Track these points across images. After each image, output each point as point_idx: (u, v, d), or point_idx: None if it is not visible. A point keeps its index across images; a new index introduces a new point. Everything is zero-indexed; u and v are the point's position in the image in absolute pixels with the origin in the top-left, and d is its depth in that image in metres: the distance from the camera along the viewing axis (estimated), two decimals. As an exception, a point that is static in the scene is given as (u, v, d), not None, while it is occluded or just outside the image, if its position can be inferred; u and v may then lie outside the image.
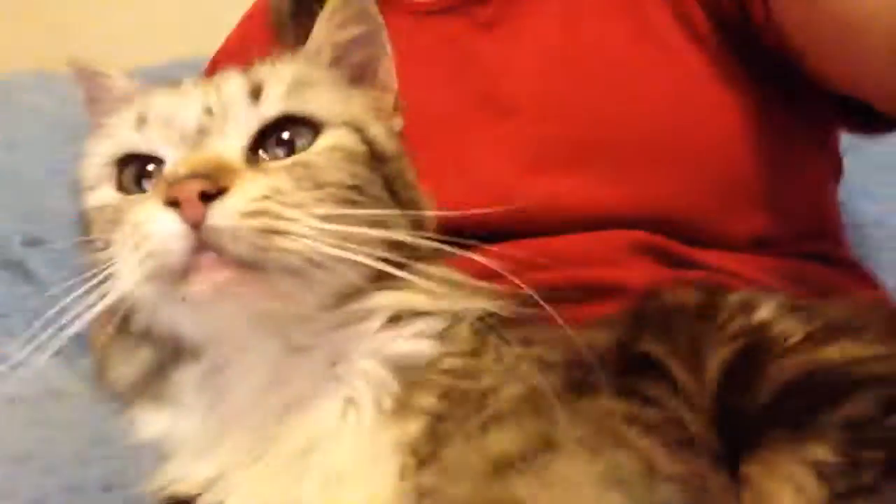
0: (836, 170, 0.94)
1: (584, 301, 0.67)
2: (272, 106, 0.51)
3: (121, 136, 0.52)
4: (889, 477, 0.47)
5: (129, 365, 0.53)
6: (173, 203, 0.44)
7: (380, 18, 0.61)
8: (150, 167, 0.51)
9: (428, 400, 0.50)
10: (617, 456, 0.47)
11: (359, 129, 0.54)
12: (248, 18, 1.13)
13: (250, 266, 0.45)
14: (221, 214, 0.44)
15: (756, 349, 0.54)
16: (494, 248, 0.77)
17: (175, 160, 0.49)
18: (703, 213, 0.78)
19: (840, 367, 0.52)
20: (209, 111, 0.50)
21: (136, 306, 0.48)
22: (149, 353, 0.53)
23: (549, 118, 0.82)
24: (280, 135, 0.51)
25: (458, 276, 0.57)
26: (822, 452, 0.48)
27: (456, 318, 0.53)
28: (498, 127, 0.83)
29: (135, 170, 0.52)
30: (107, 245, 0.49)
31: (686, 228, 0.78)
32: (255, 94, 0.51)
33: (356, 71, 0.60)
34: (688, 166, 0.78)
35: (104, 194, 0.52)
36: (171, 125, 0.50)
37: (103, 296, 0.47)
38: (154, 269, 0.45)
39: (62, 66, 1.50)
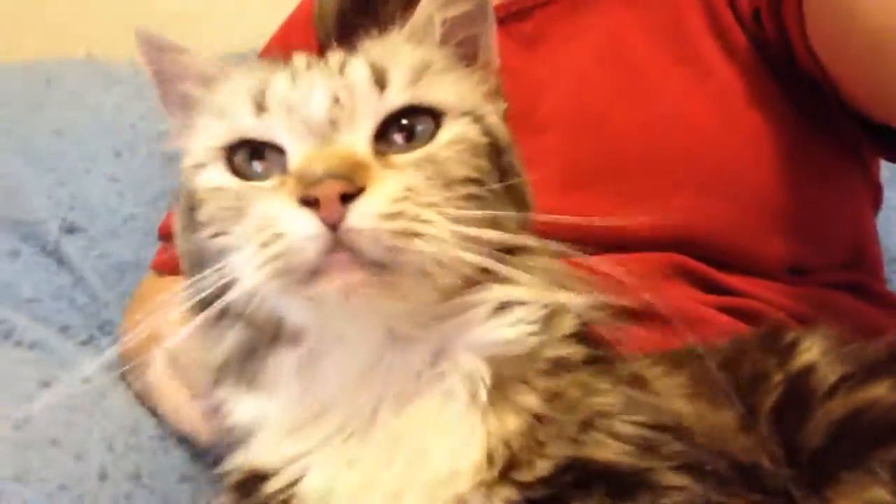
0: (875, 199, 0.93)
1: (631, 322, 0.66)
2: (398, 95, 0.50)
3: (236, 119, 0.50)
4: None
5: (218, 345, 0.52)
6: (309, 202, 0.43)
7: None
8: (268, 154, 0.49)
9: (529, 398, 0.49)
10: None
11: (479, 119, 0.52)
12: (292, 20, 1.13)
13: (382, 267, 0.45)
14: (361, 216, 0.43)
15: (801, 390, 0.54)
16: None
17: (304, 153, 0.47)
18: (737, 237, 0.77)
19: (887, 407, 0.51)
20: (337, 101, 0.48)
21: (248, 297, 0.47)
22: (242, 335, 0.51)
23: (583, 137, 0.81)
24: (400, 122, 0.49)
25: (560, 266, 0.56)
26: (881, 493, 0.48)
27: (558, 308, 0.52)
28: (531, 144, 0.83)
29: (247, 153, 0.50)
30: (223, 233, 0.48)
31: (719, 253, 0.77)
32: (381, 82, 0.49)
33: (463, 49, 0.58)
34: (722, 190, 0.77)
35: (219, 176, 0.50)
36: (296, 114, 0.48)
37: (221, 288, 0.45)
38: (283, 269, 0.44)
39: (111, 53, 1.53)
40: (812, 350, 0.58)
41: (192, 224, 0.51)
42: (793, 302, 0.77)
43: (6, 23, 1.65)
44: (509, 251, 0.51)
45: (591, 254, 0.53)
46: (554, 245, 0.54)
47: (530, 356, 0.50)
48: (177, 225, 0.54)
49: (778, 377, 0.56)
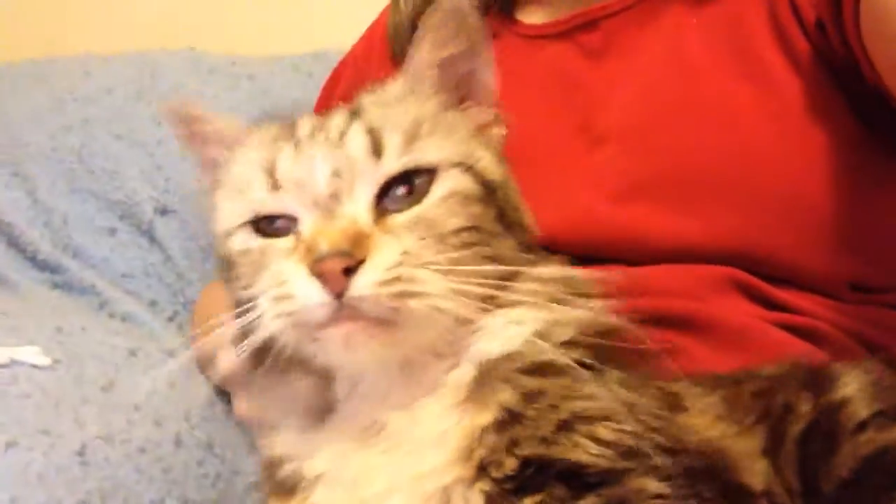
0: None
1: (670, 330, 0.68)
2: (394, 162, 0.54)
3: (254, 196, 0.56)
4: None
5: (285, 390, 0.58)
6: (318, 274, 0.49)
7: (479, 24, 0.62)
8: (282, 223, 0.55)
9: (507, 396, 0.52)
10: None
11: (470, 167, 0.56)
12: (373, 30, 1.15)
13: (384, 322, 0.50)
14: (362, 286, 0.49)
15: (830, 422, 0.55)
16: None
17: (312, 223, 0.53)
18: (794, 254, 0.76)
19: None
20: (337, 173, 0.53)
21: (278, 343, 0.53)
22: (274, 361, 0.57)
23: (642, 150, 0.81)
24: (399, 183, 0.54)
25: (569, 274, 0.60)
26: None
27: (558, 322, 0.56)
28: (591, 155, 0.84)
29: (269, 221, 0.56)
30: (250, 285, 0.54)
31: (775, 268, 0.77)
32: (377, 150, 0.54)
33: (460, 86, 0.62)
34: (779, 206, 0.76)
35: (245, 239, 0.56)
36: (304, 189, 0.53)
37: (248, 333, 0.52)
38: (294, 323, 0.51)
39: (211, 46, 1.61)
40: (850, 385, 0.57)
41: (230, 279, 0.58)
42: (853, 321, 0.76)
43: (116, 17, 1.76)
44: (511, 276, 0.56)
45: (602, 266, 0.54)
46: (557, 261, 0.59)
47: (515, 357, 0.54)
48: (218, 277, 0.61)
49: (806, 407, 0.56)
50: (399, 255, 0.50)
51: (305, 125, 0.58)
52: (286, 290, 0.50)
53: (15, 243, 1.33)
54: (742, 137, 0.78)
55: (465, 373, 0.54)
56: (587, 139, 0.85)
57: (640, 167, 0.81)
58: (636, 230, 0.79)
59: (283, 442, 0.58)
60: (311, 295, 0.49)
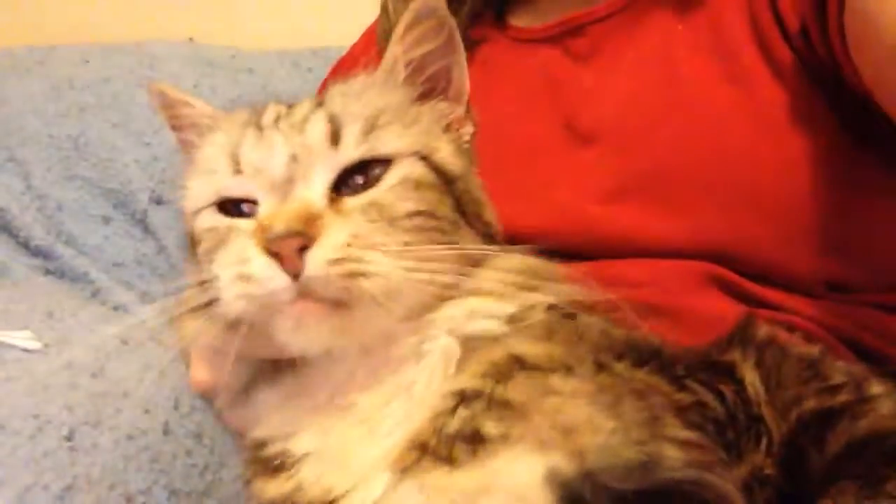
0: None
1: (650, 318, 0.68)
2: (349, 152, 0.56)
3: (219, 181, 0.58)
4: None
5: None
6: (273, 253, 0.51)
7: (453, 24, 0.63)
8: (246, 207, 0.58)
9: (483, 366, 0.54)
10: (626, 400, 0.51)
11: (426, 157, 0.58)
12: (371, 32, 1.16)
13: (339, 303, 0.52)
14: (315, 265, 0.51)
15: (845, 411, 0.55)
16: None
17: (270, 207, 0.55)
18: (772, 252, 0.78)
19: None
20: (294, 158, 0.55)
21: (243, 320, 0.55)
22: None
23: (627, 150, 0.83)
24: (356, 171, 0.56)
25: (535, 263, 0.61)
26: None
27: (527, 306, 0.56)
28: (578, 155, 0.85)
29: (234, 203, 0.59)
30: (213, 259, 0.56)
31: (755, 266, 0.78)
32: (335, 138, 0.56)
33: (430, 82, 0.64)
34: (759, 206, 0.78)
35: (211, 218, 0.59)
36: (263, 173, 0.56)
37: (212, 303, 0.54)
38: (255, 302, 0.52)
39: (211, 39, 1.61)
40: (880, 388, 0.58)
41: (195, 256, 0.60)
42: (832, 318, 0.77)
43: (116, 6, 1.76)
44: (473, 264, 0.57)
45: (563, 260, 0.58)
46: (521, 251, 0.60)
47: (486, 339, 0.55)
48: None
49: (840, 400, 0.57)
50: (348, 236, 0.52)
51: (271, 112, 0.60)
52: (246, 269, 0.52)
53: (8, 229, 1.32)
54: (723, 139, 0.79)
55: (435, 349, 0.55)
56: (573, 140, 0.87)
57: (624, 167, 0.82)
58: (619, 228, 0.81)
59: (266, 423, 0.58)
60: (270, 275, 0.51)
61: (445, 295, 0.56)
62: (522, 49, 0.96)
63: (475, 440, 0.50)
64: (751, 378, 0.58)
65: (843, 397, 0.57)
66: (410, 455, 0.51)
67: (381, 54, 1.06)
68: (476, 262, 0.57)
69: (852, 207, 0.80)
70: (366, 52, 1.13)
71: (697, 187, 0.80)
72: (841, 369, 0.60)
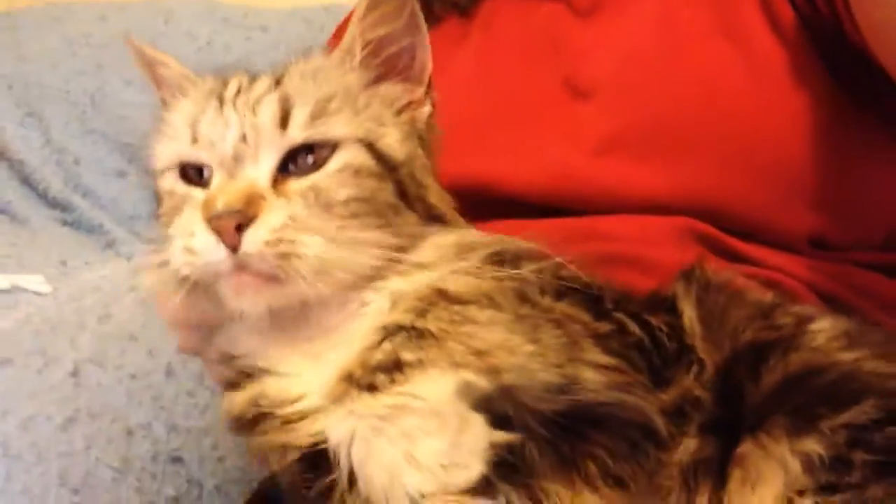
0: None
1: (615, 269, 0.70)
2: (297, 134, 0.58)
3: (179, 147, 0.61)
4: (877, 479, 0.49)
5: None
6: (214, 229, 0.55)
7: (415, 4, 0.63)
8: (206, 171, 0.61)
9: (410, 302, 0.57)
10: (543, 328, 0.54)
11: (371, 143, 0.60)
12: None
13: (272, 277, 0.56)
14: (251, 243, 0.54)
15: (780, 344, 0.57)
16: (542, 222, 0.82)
17: (218, 182, 0.58)
18: (763, 207, 0.78)
19: (853, 372, 0.54)
20: (244, 138, 0.58)
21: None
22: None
23: (621, 104, 0.83)
24: (303, 152, 0.59)
25: (472, 237, 0.63)
26: (815, 446, 0.51)
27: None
28: (574, 110, 0.86)
29: (194, 169, 0.61)
30: (169, 224, 0.60)
31: (739, 222, 0.78)
32: (284, 121, 0.58)
33: (388, 64, 0.64)
34: (751, 162, 0.78)
35: (172, 181, 0.62)
36: (215, 148, 0.59)
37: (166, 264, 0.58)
38: (198, 270, 0.56)
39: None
40: (824, 321, 0.60)
41: (158, 214, 0.64)
42: (817, 276, 0.77)
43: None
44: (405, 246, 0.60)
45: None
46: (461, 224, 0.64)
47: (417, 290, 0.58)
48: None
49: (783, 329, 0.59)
50: (285, 218, 0.55)
51: (233, 84, 0.62)
52: (191, 242, 0.56)
53: (27, 180, 1.37)
54: (718, 94, 0.79)
55: (371, 303, 0.59)
56: (570, 93, 0.87)
57: (616, 120, 0.83)
58: (606, 181, 0.81)
59: (235, 344, 0.63)
60: (210, 248, 0.55)
61: (384, 271, 0.59)
62: (525, 6, 0.96)
63: (395, 368, 0.53)
64: (689, 312, 0.60)
65: (781, 332, 0.58)
66: (340, 386, 0.55)
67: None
68: (414, 243, 0.60)
69: (846, 165, 0.80)
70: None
71: (689, 141, 0.80)
72: (791, 311, 0.61)
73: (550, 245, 0.63)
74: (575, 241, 0.73)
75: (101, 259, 1.27)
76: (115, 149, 1.42)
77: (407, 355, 0.53)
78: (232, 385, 0.61)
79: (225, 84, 0.62)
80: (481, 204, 0.72)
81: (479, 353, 0.52)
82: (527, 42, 0.93)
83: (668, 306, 0.62)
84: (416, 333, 0.54)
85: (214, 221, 0.54)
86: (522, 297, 0.56)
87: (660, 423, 0.52)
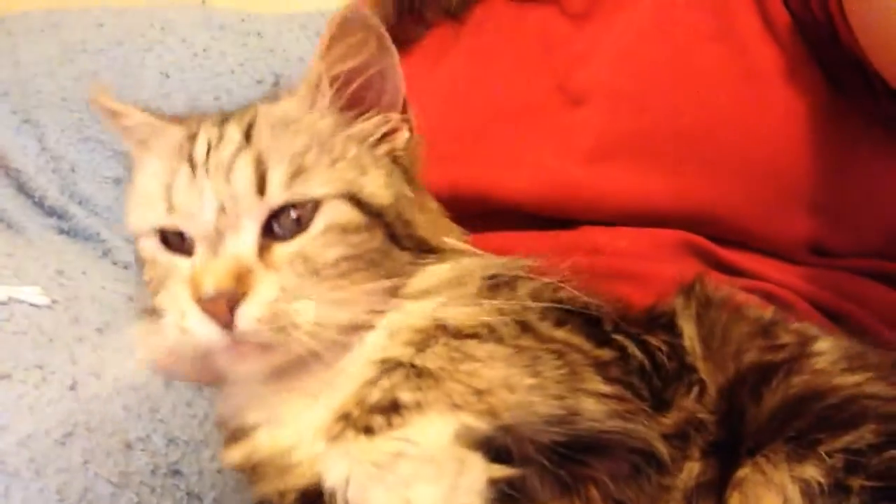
0: None
1: (620, 284, 0.70)
2: (276, 197, 0.57)
3: (155, 214, 0.59)
4: None
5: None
6: (205, 311, 0.54)
7: (381, 31, 0.61)
8: (187, 237, 0.59)
9: (408, 335, 0.57)
10: (544, 360, 0.53)
11: (353, 196, 0.58)
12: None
13: (269, 346, 0.56)
14: (244, 321, 0.54)
15: (782, 366, 0.57)
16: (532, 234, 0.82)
17: (202, 257, 0.57)
18: (757, 212, 0.78)
19: (854, 396, 0.54)
20: (222, 209, 0.56)
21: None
22: None
23: (616, 110, 0.82)
24: (283, 214, 0.57)
25: (466, 264, 0.62)
26: (814, 472, 0.51)
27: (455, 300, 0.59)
28: (567, 116, 0.85)
29: (174, 233, 0.60)
30: (157, 293, 0.59)
31: (737, 231, 0.78)
32: (261, 186, 0.56)
33: (360, 95, 0.62)
34: (746, 168, 0.77)
35: (152, 248, 0.60)
36: (194, 219, 0.57)
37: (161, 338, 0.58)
38: (194, 349, 0.56)
39: (223, 2, 1.62)
40: (826, 343, 0.60)
41: (142, 275, 0.63)
42: (812, 286, 0.77)
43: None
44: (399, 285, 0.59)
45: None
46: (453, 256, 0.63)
47: (415, 325, 0.58)
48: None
49: (784, 354, 0.59)
50: (277, 291, 0.54)
51: (202, 144, 0.59)
52: (183, 323, 0.55)
53: (23, 188, 1.37)
54: (711, 98, 0.79)
55: (368, 339, 0.58)
56: (564, 100, 0.86)
57: (610, 127, 0.82)
58: (603, 191, 0.81)
59: (224, 403, 0.64)
60: (204, 331, 0.55)
61: (381, 312, 0.58)
62: (518, 9, 0.96)
63: (392, 409, 0.53)
64: (689, 331, 0.60)
65: (784, 354, 0.58)
66: (337, 425, 0.54)
67: (381, 19, 1.08)
68: (408, 278, 0.60)
69: (843, 169, 0.79)
70: None
71: (683, 147, 0.79)
72: (794, 329, 0.61)
73: (546, 263, 0.63)
74: (570, 254, 0.73)
75: (96, 268, 1.27)
76: (111, 156, 1.41)
77: (405, 396, 0.53)
78: (230, 439, 0.62)
79: (192, 138, 0.60)
80: (475, 214, 0.72)
81: (478, 393, 0.52)
82: (519, 46, 0.93)
83: (666, 322, 0.62)
84: (414, 372, 0.54)
85: (205, 304, 0.54)
86: (523, 327, 0.56)
87: (662, 448, 0.52)
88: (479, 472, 0.51)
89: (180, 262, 0.59)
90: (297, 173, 0.57)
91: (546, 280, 0.60)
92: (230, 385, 0.63)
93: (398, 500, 0.50)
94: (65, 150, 1.41)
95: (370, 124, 0.63)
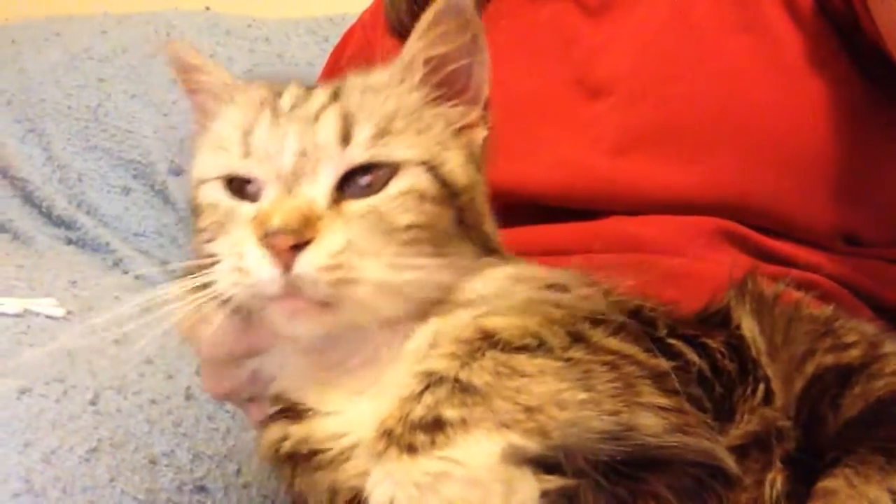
0: None
1: (662, 281, 0.68)
2: (359, 153, 0.55)
3: (228, 159, 0.57)
4: None
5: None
6: (268, 246, 0.52)
7: (479, 25, 0.61)
8: (253, 186, 0.57)
9: (453, 345, 0.54)
10: (597, 373, 0.50)
11: (433, 167, 0.57)
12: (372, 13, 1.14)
13: (325, 304, 0.53)
14: (305, 265, 0.51)
15: (859, 370, 0.55)
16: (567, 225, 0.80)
17: (273, 197, 0.55)
18: (791, 203, 0.76)
19: None
20: (303, 153, 0.54)
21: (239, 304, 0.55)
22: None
23: (639, 101, 0.81)
24: (362, 172, 0.56)
25: (529, 270, 0.60)
26: None
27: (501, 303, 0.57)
28: (588, 109, 0.84)
29: (241, 181, 0.58)
30: (212, 240, 0.56)
31: (768, 219, 0.77)
32: (346, 138, 0.55)
33: (447, 83, 0.62)
34: (773, 155, 0.76)
35: (216, 193, 0.58)
36: (271, 162, 0.55)
37: (207, 286, 0.54)
38: (246, 291, 0.53)
39: (228, 8, 1.60)
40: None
41: (195, 227, 0.60)
42: (848, 272, 0.76)
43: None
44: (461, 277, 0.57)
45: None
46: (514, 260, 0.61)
47: (464, 328, 0.55)
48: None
49: (857, 352, 0.57)
50: (344, 242, 0.52)
51: (289, 96, 0.59)
52: (241, 263, 0.53)
53: (30, 199, 1.34)
54: (740, 88, 0.78)
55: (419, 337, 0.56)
56: (584, 93, 0.85)
57: (638, 119, 0.81)
58: (632, 182, 0.80)
59: (280, 381, 0.60)
60: (261, 268, 0.52)
61: (434, 306, 0.56)
62: (531, 4, 0.95)
63: (436, 427, 0.50)
64: (747, 323, 0.58)
65: (856, 352, 0.56)
66: (381, 442, 0.51)
67: (388, 24, 1.06)
68: (469, 274, 0.58)
69: (872, 157, 0.79)
70: (374, 20, 1.12)
71: (712, 137, 0.78)
72: (854, 328, 0.59)
73: (596, 264, 0.61)
74: (606, 247, 0.71)
75: (109, 278, 1.24)
76: (119, 164, 1.39)
77: (449, 413, 0.50)
78: (270, 419, 0.59)
79: (278, 94, 0.59)
80: (499, 208, 0.70)
81: (528, 411, 0.49)
82: (534, 42, 0.92)
83: (721, 320, 0.60)
84: (459, 387, 0.51)
85: (268, 239, 0.51)
86: (575, 336, 0.53)
87: (730, 462, 0.49)
88: (530, 488, 0.48)
89: (244, 206, 0.56)
90: (383, 134, 0.56)
91: (599, 286, 0.58)
92: (277, 355, 0.60)
93: None
94: (71, 158, 1.38)
95: (455, 111, 0.62)
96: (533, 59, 0.90)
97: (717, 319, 0.60)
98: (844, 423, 0.52)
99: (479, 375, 0.51)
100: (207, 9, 1.64)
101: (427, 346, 0.55)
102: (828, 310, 0.62)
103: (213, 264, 0.54)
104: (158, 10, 1.59)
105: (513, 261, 0.61)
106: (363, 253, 0.53)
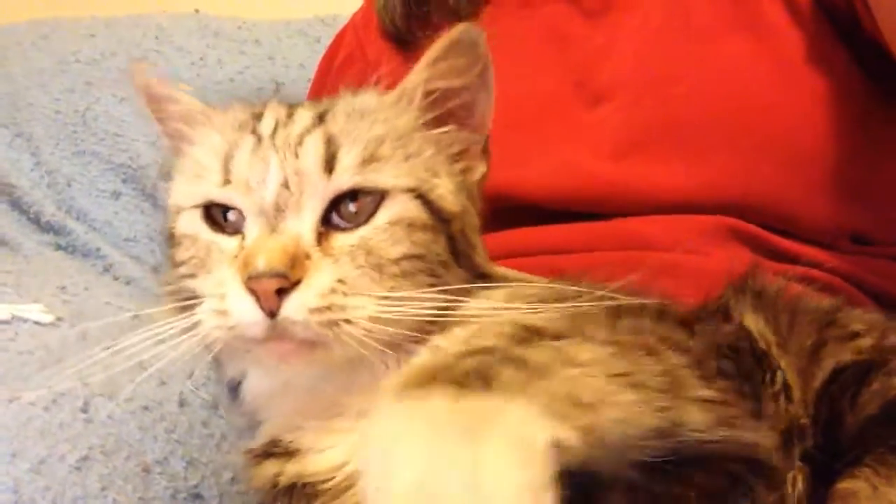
0: None
1: (670, 279, 0.66)
2: (345, 179, 0.53)
3: (208, 184, 0.55)
4: None
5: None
6: (251, 290, 0.50)
7: (488, 60, 0.60)
8: (233, 215, 0.55)
9: (494, 336, 0.53)
10: (643, 361, 0.48)
11: (422, 194, 0.55)
12: (363, 19, 1.13)
13: (314, 344, 0.51)
14: (294, 309, 0.49)
15: (875, 366, 0.54)
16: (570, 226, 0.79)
17: (256, 234, 0.52)
18: (796, 202, 0.77)
19: None
20: (286, 184, 0.52)
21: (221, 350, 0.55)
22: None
23: (641, 103, 0.81)
24: (347, 199, 0.54)
25: (525, 289, 0.59)
26: None
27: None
28: (590, 112, 0.84)
29: (220, 209, 0.56)
30: (192, 276, 0.55)
31: (778, 218, 0.77)
32: (330, 164, 0.53)
33: (449, 113, 0.60)
34: (777, 153, 0.77)
35: (195, 224, 0.56)
36: (253, 193, 0.53)
37: (188, 329, 0.53)
38: (228, 334, 0.51)
39: (217, 10, 1.59)
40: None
41: (171, 257, 0.58)
42: (855, 269, 0.76)
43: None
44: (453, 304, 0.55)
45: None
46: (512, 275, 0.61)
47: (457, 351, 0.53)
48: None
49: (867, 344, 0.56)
50: (334, 282, 0.50)
51: (270, 119, 0.56)
52: (224, 305, 0.51)
53: (18, 204, 1.32)
54: (743, 87, 0.78)
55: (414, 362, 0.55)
56: (585, 97, 0.85)
57: (640, 121, 0.81)
58: (635, 186, 0.80)
59: (272, 424, 0.60)
60: (246, 312, 0.50)
61: (418, 337, 0.55)
62: (528, 7, 0.95)
63: (489, 379, 0.45)
64: (750, 319, 0.57)
65: (867, 341, 0.55)
66: (418, 379, 0.46)
67: (381, 27, 1.05)
68: (463, 298, 0.56)
69: (873, 154, 0.79)
70: (366, 22, 1.11)
71: (713, 136, 0.79)
72: (859, 317, 0.59)
73: (600, 275, 0.59)
74: (611, 247, 0.70)
75: (99, 283, 1.22)
76: (108, 169, 1.37)
77: (505, 376, 0.46)
78: (261, 456, 0.57)
79: (258, 117, 0.57)
80: (500, 212, 0.69)
81: (580, 407, 0.45)
82: (531, 46, 0.91)
83: (722, 316, 0.59)
84: (513, 358, 0.48)
85: (253, 281, 0.49)
86: (610, 325, 0.51)
87: (775, 457, 0.48)
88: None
89: (224, 241, 0.54)
90: (369, 160, 0.54)
91: (603, 291, 0.56)
92: (262, 399, 0.58)
93: None
94: (59, 163, 1.36)
95: (451, 135, 0.61)
96: (530, 63, 0.90)
97: (718, 314, 0.59)
98: (863, 420, 0.50)
99: (533, 354, 0.48)
100: (197, 11, 1.62)
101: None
102: (831, 300, 0.62)
103: (195, 305, 0.53)
104: (147, 12, 1.57)
105: (508, 285, 0.60)
106: (355, 290, 0.51)
